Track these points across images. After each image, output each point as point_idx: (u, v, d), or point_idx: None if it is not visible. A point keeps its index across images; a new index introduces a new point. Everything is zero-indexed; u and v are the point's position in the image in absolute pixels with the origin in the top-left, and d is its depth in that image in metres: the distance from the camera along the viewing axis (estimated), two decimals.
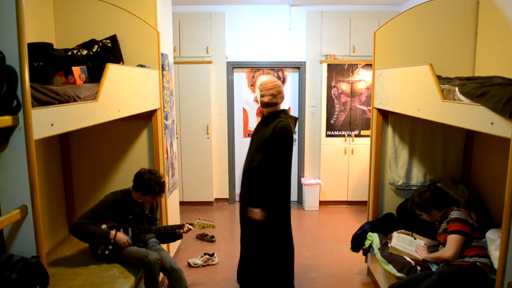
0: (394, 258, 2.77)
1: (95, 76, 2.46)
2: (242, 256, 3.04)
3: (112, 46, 3.02)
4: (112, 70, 2.34)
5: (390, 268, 2.75)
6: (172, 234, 2.98)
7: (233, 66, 5.60)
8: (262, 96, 2.75)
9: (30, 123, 1.50)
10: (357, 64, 5.31)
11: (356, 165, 5.50)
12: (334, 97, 5.38)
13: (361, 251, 3.33)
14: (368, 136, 5.23)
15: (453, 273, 2.30)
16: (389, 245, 2.92)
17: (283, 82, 5.71)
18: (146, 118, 3.21)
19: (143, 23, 3.14)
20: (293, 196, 5.77)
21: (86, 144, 3.28)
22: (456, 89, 2.07)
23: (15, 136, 1.51)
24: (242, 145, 5.74)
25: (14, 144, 1.51)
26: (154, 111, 3.21)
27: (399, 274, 2.64)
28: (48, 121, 1.66)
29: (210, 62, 5.38)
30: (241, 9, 5.49)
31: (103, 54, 2.87)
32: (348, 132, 5.44)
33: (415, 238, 2.86)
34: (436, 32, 3.26)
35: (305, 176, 5.72)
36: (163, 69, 3.40)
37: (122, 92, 2.53)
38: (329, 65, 5.31)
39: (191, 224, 2.92)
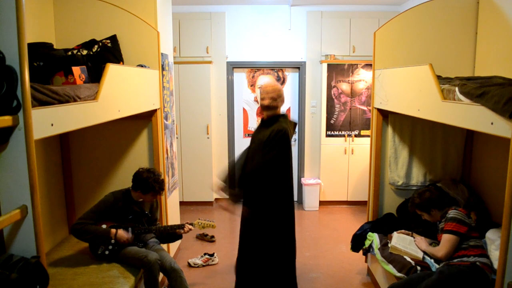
0: (394, 258, 2.77)
1: (95, 76, 2.46)
2: (240, 257, 3.00)
3: (112, 46, 3.02)
4: (112, 70, 2.34)
5: (390, 268, 2.75)
6: (172, 234, 2.98)
7: (233, 66, 5.60)
8: (262, 99, 2.75)
9: (30, 123, 1.50)
10: (357, 64, 5.31)
11: (356, 165, 5.50)
12: (334, 97, 5.38)
13: (361, 251, 3.33)
14: (368, 136, 5.23)
15: (453, 273, 2.30)
16: (389, 245, 2.92)
17: (283, 82, 5.71)
18: (146, 118, 3.21)
19: (143, 23, 3.14)
20: (294, 196, 5.77)
21: (86, 144, 3.28)
22: (456, 89, 2.07)
23: (15, 136, 1.51)
24: (242, 145, 5.74)
25: (14, 144, 1.51)
26: (154, 111, 3.21)
27: (399, 274, 2.64)
28: (48, 121, 1.66)
29: (210, 62, 5.38)
30: (241, 9, 5.49)
31: (103, 54, 2.87)
32: (348, 132, 5.44)
33: (415, 238, 2.86)
34: (436, 32, 3.26)
35: (305, 176, 5.72)
36: (163, 69, 3.40)
37: (122, 92, 2.53)
38: (329, 65, 5.31)
39: (191, 224, 2.92)
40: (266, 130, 2.73)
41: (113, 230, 2.69)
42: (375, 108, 3.39)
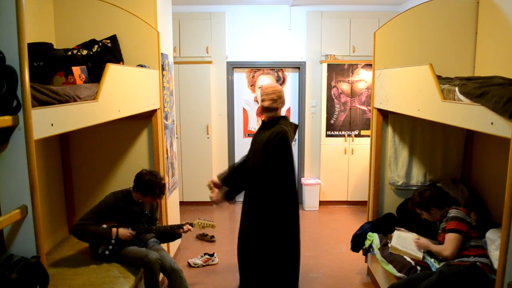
0: (394, 258, 2.77)
1: (95, 76, 2.46)
2: (241, 261, 2.98)
3: (112, 46, 3.02)
4: (112, 70, 2.34)
5: (390, 268, 2.75)
6: (172, 233, 2.98)
7: (233, 66, 5.60)
8: (262, 100, 2.74)
9: (30, 123, 1.50)
10: (357, 64, 5.31)
11: (356, 165, 5.50)
12: (334, 97, 5.38)
13: (361, 251, 3.33)
14: (368, 136, 5.23)
15: (453, 273, 2.30)
16: (389, 245, 2.92)
17: (283, 82, 5.71)
18: (146, 118, 3.21)
19: (143, 23, 3.14)
20: None
21: (86, 144, 3.28)
22: (456, 89, 2.07)
23: (15, 136, 1.51)
24: (242, 145, 5.74)
25: (14, 144, 1.51)
26: (154, 111, 3.21)
27: (399, 274, 2.64)
28: (48, 121, 1.66)
29: (210, 62, 5.38)
30: (241, 9, 5.49)
31: (103, 54, 2.87)
32: (348, 132, 5.44)
33: (418, 238, 2.85)
34: (436, 32, 3.26)
35: (305, 176, 5.72)
36: (163, 69, 3.40)
37: (122, 92, 2.53)
38: (329, 65, 5.31)
39: (190, 224, 2.92)
40: (266, 132, 2.72)
41: (114, 230, 2.69)
42: (375, 108, 3.39)
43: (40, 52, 2.39)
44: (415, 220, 3.00)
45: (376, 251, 3.01)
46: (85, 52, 2.82)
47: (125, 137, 3.29)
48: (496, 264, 2.15)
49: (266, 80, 5.67)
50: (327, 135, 5.45)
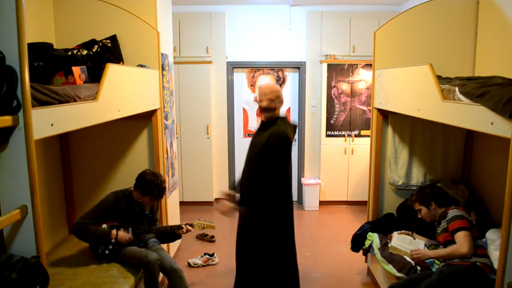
0: (394, 258, 2.77)
1: (95, 76, 2.46)
2: (238, 263, 2.98)
3: (112, 46, 3.02)
4: (112, 70, 2.34)
5: (390, 268, 2.75)
6: (172, 234, 2.98)
7: (233, 66, 5.60)
8: (260, 100, 2.73)
9: (30, 123, 1.50)
10: (357, 64, 5.31)
11: (356, 165, 5.50)
12: (334, 97, 5.38)
13: (361, 251, 3.33)
14: (368, 136, 5.23)
15: (453, 273, 2.30)
16: (389, 245, 2.92)
17: (283, 82, 5.71)
18: (146, 118, 3.21)
19: (143, 23, 3.14)
20: (293, 196, 5.77)
21: (86, 144, 3.28)
22: (456, 89, 2.07)
23: (15, 136, 1.51)
24: (242, 145, 5.74)
25: (14, 144, 1.51)
26: (154, 111, 3.21)
27: (399, 274, 2.64)
28: (48, 121, 1.66)
29: (210, 62, 5.38)
30: (241, 9, 5.49)
31: (103, 54, 2.87)
32: (348, 132, 5.44)
33: (415, 238, 2.86)
34: (436, 32, 3.26)
35: (305, 176, 5.72)
36: (163, 69, 3.40)
37: (122, 92, 2.53)
38: (329, 65, 5.31)
39: (190, 225, 2.92)
40: (265, 133, 2.71)
41: (114, 232, 2.69)
42: (375, 108, 3.39)
43: (40, 52, 2.39)
44: (415, 220, 3.00)
45: (376, 251, 3.01)
46: (85, 52, 2.82)
47: (125, 137, 3.29)
48: (496, 264, 2.15)
49: (266, 80, 5.67)
50: (327, 135, 5.45)
